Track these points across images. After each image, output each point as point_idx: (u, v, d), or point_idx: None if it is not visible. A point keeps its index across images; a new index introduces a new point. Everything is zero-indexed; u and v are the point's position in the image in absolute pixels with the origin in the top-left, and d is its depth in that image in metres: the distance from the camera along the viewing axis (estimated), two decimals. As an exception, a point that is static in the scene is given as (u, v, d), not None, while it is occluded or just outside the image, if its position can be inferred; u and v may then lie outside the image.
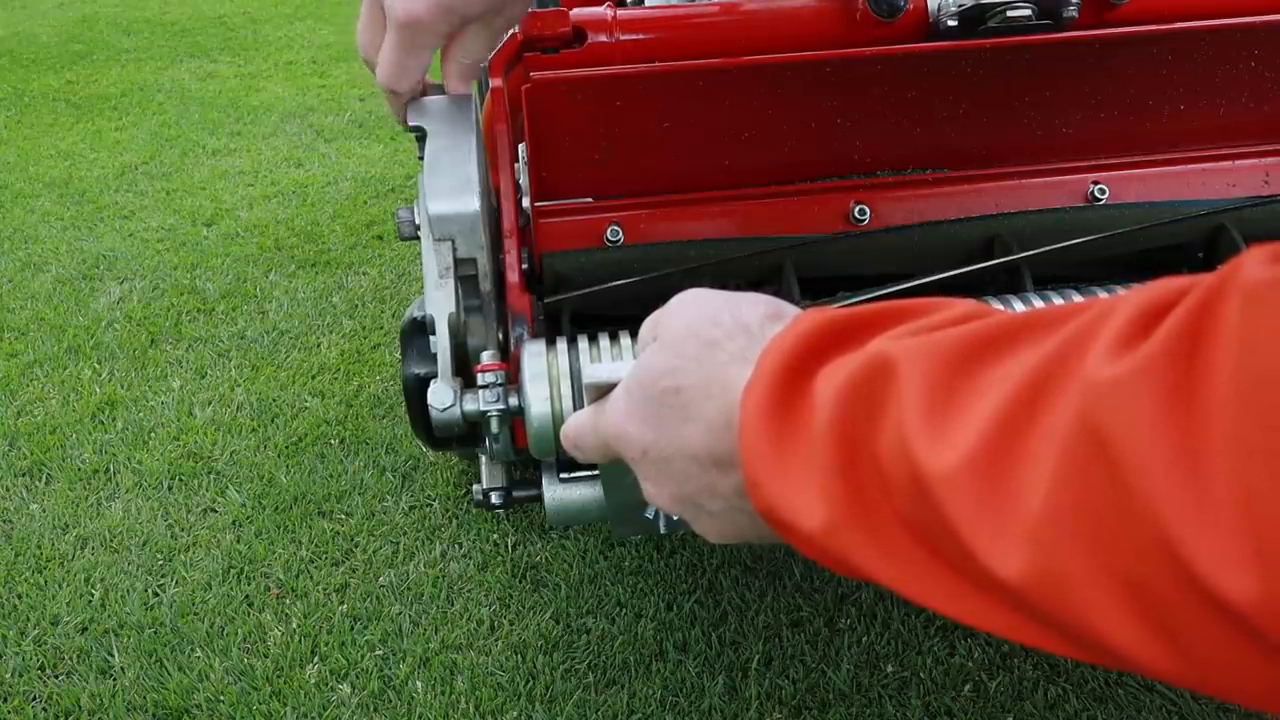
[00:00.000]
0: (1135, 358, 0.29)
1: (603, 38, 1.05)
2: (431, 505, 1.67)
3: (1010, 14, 1.00)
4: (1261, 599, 0.26)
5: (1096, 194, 1.09)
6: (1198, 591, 0.27)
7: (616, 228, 1.04)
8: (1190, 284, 0.30)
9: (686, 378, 0.45)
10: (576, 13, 1.05)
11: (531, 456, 0.82)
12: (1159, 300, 0.31)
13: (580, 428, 0.53)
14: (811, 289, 1.05)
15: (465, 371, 0.84)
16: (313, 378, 2.04)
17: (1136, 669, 0.30)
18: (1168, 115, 1.06)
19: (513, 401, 0.79)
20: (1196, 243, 1.06)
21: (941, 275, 1.00)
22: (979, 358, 0.35)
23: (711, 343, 0.46)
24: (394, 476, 1.74)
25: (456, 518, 1.64)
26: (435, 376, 0.81)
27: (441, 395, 0.79)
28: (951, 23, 1.04)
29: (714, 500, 0.46)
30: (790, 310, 0.47)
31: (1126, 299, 0.31)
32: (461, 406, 0.80)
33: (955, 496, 0.33)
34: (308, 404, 1.95)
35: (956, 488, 0.33)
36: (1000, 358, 0.34)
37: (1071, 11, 1.02)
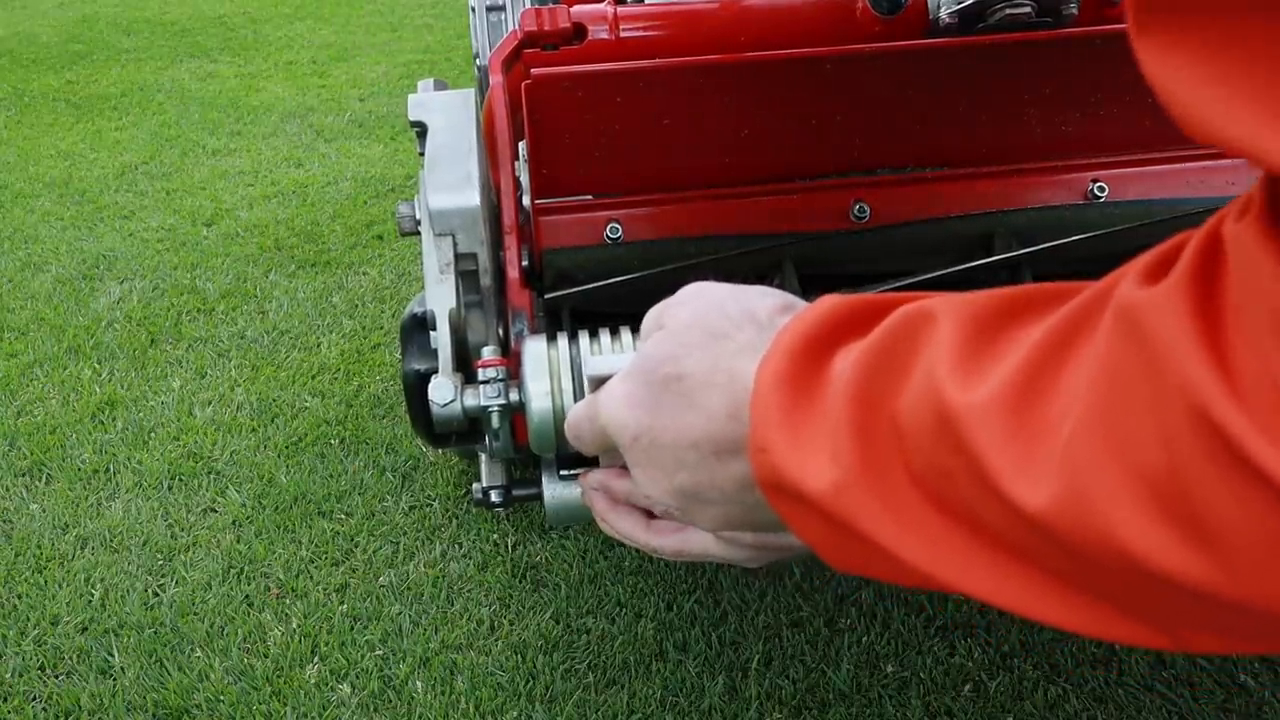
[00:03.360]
0: (1167, 280, 0.31)
1: (603, 34, 1.05)
2: (431, 505, 1.67)
3: (1010, 11, 1.00)
4: None
5: (1096, 191, 1.09)
6: (1233, 458, 0.27)
7: (616, 224, 1.04)
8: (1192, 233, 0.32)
9: (689, 365, 0.45)
10: (577, 9, 1.05)
11: (531, 454, 0.82)
12: (1174, 243, 0.33)
13: (578, 417, 0.53)
14: (811, 286, 1.05)
15: (466, 367, 0.84)
16: (313, 378, 2.04)
17: (1165, 578, 0.30)
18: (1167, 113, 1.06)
19: (513, 396, 0.79)
20: None
21: (942, 271, 1.00)
22: (1018, 314, 0.36)
23: (719, 333, 0.45)
24: (394, 476, 1.74)
25: (456, 518, 1.64)
26: (435, 372, 0.81)
27: (442, 390, 0.79)
28: (951, 20, 1.04)
29: (710, 490, 0.46)
30: (799, 303, 0.47)
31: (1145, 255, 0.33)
32: (462, 402, 0.80)
33: (985, 426, 0.33)
34: (308, 404, 1.95)
35: (987, 418, 0.33)
36: (1038, 315, 0.35)
37: (1071, 9, 1.02)
